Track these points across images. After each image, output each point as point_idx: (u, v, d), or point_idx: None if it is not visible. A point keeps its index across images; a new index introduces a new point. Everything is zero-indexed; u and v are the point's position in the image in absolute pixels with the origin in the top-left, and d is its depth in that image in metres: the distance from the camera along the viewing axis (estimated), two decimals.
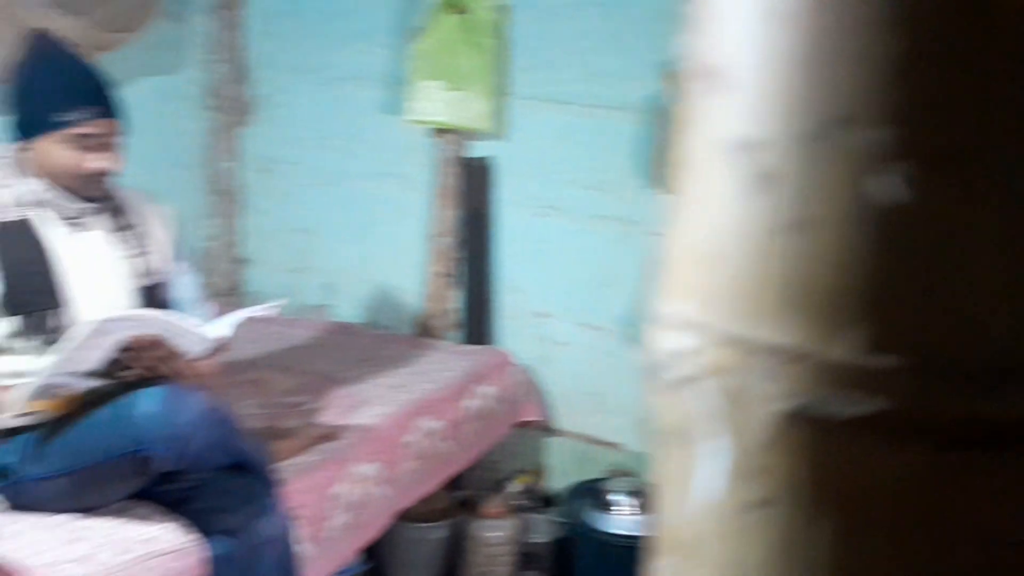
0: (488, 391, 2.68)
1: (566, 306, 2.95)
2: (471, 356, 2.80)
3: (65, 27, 2.33)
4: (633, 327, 2.85)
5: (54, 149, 1.55)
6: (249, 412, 2.10)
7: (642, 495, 2.53)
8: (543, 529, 2.79)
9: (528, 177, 2.94)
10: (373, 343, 2.91)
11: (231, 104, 3.30)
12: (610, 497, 2.53)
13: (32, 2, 2.33)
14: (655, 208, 2.73)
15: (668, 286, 0.44)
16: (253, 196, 3.40)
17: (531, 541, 2.77)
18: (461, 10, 2.75)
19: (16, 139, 1.58)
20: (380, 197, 3.18)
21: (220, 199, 3.36)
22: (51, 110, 1.53)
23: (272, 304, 1.72)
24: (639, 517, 2.49)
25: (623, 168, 2.78)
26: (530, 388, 2.93)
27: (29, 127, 1.56)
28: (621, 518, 2.49)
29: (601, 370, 2.92)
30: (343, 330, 3.06)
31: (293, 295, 3.30)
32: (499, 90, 2.84)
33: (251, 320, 1.65)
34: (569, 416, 3.00)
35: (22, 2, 2.30)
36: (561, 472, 3.00)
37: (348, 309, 3.29)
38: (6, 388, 1.46)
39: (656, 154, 2.47)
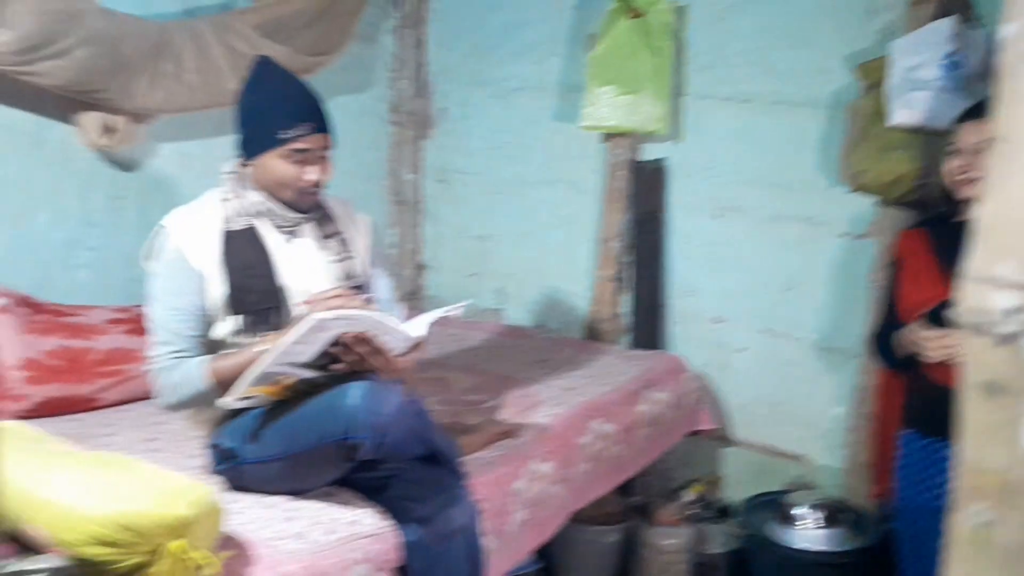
0: (661, 397, 2.64)
1: (744, 311, 2.86)
2: (643, 361, 2.78)
3: (273, 53, 2.56)
4: (819, 333, 2.72)
5: (275, 163, 1.68)
6: (434, 408, 2.20)
7: (826, 508, 2.41)
8: (719, 540, 2.71)
9: (704, 178, 2.89)
10: (545, 346, 2.96)
11: (413, 118, 3.48)
12: (793, 510, 2.42)
13: (245, 32, 2.58)
14: (843, 207, 2.60)
15: (990, 249, 0.45)
16: (432, 205, 3.56)
17: (706, 551, 2.70)
18: (637, 14, 2.75)
19: (241, 156, 1.76)
20: (552, 203, 3.23)
21: (402, 209, 3.55)
22: (274, 128, 1.67)
23: (458, 305, 1.79)
24: (823, 531, 2.37)
25: (808, 166, 2.66)
26: (705, 395, 2.86)
27: (254, 144, 1.70)
28: (804, 532, 2.37)
29: (782, 378, 2.81)
30: (516, 333, 3.14)
31: (469, 299, 3.43)
32: (674, 91, 2.82)
33: (433, 322, 1.73)
34: (747, 426, 2.91)
35: (237, 33, 2.56)
36: (738, 483, 2.91)
37: (520, 312, 3.37)
38: (236, 354, 1.63)
39: (846, 150, 2.34)
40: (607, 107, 2.82)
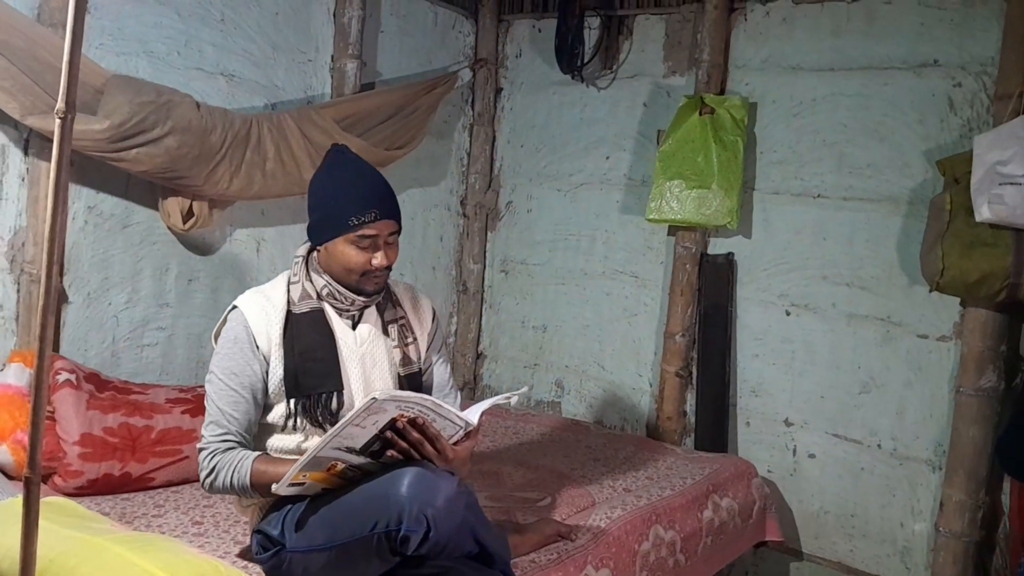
0: (727, 503, 2.50)
1: (816, 414, 2.72)
2: (708, 463, 2.64)
3: (350, 145, 2.64)
4: (898, 441, 2.55)
5: (343, 249, 1.68)
6: (485, 504, 2.12)
7: None
8: None
9: (774, 274, 2.81)
10: (604, 442, 2.86)
11: (481, 211, 3.55)
12: None
13: (324, 125, 2.68)
14: (924, 307, 2.48)
15: None
16: (494, 295, 3.57)
17: None
18: (708, 110, 2.76)
19: (312, 240, 1.77)
20: (614, 295, 3.20)
21: (464, 298, 3.57)
22: (343, 214, 1.67)
23: (515, 392, 1.74)
24: None
25: (886, 264, 2.57)
26: (773, 503, 2.70)
27: (324, 230, 1.71)
28: None
29: (856, 488, 2.63)
30: (574, 427, 3.04)
31: (525, 386, 3.37)
32: (743, 186, 2.79)
33: (487, 412, 1.68)
34: (818, 538, 2.72)
35: (316, 126, 2.66)
36: None
37: (579, 406, 3.29)
38: (282, 461, 1.59)
39: (926, 248, 2.25)
40: (675, 200, 2.80)
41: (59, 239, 0.90)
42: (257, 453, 1.64)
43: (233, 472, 1.60)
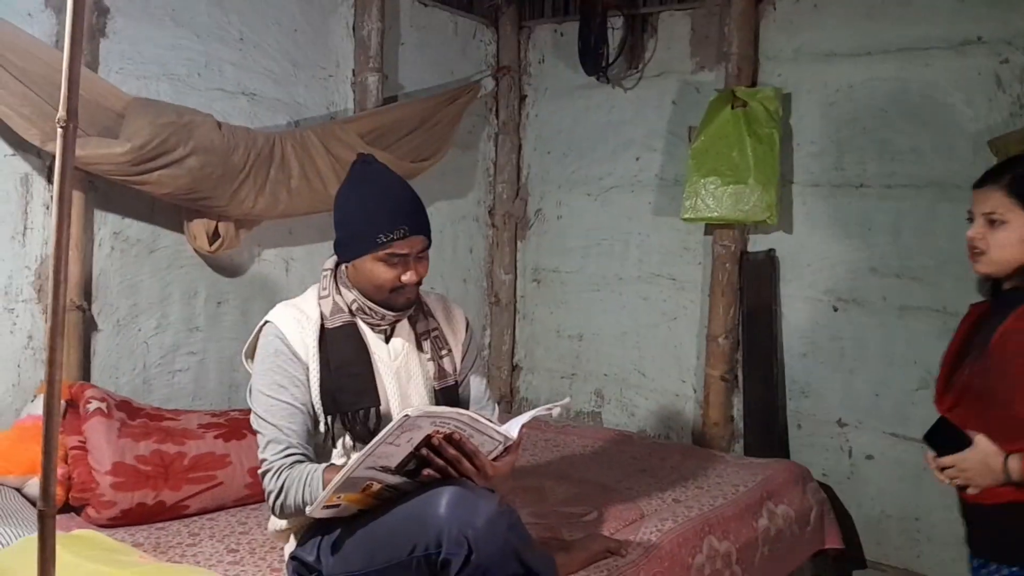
0: (783, 511, 2.38)
1: (872, 413, 2.59)
2: (760, 469, 2.53)
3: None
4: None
5: (373, 266, 1.61)
6: (528, 521, 2.03)
7: None
8: None
9: (819, 268, 2.70)
10: (649, 452, 2.76)
11: (510, 220, 3.48)
12: None
13: (349, 140, 2.64)
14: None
15: None
16: (527, 305, 3.49)
17: None
18: (740, 103, 2.67)
19: (339, 256, 1.70)
20: (652, 299, 3.10)
21: (497, 309, 3.50)
22: (372, 232, 1.60)
23: (556, 404, 1.66)
24: None
25: (938, 252, 2.45)
26: (831, 510, 2.57)
27: (352, 246, 1.64)
28: None
29: (921, 490, 2.49)
30: (617, 438, 2.95)
31: (567, 398, 3.28)
32: (781, 180, 2.68)
33: (526, 425, 1.60)
34: (881, 545, 2.58)
35: (340, 141, 2.62)
36: None
37: (620, 416, 3.19)
38: (333, 467, 1.51)
39: None
40: (711, 198, 2.71)
41: (65, 255, 0.85)
42: (324, 464, 1.55)
43: (304, 487, 1.50)
